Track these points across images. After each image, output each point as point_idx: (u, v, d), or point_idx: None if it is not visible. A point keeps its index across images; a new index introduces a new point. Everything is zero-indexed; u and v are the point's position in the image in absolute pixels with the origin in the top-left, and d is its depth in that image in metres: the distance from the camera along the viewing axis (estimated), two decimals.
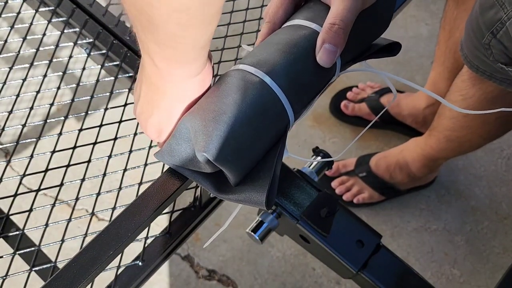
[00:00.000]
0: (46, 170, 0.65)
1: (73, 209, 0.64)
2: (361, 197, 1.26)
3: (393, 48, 0.55)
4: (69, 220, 0.63)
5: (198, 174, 0.49)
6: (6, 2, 0.78)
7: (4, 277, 0.59)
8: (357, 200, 1.27)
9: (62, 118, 0.70)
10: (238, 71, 0.49)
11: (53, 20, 0.78)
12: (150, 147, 0.68)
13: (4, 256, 0.62)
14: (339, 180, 1.28)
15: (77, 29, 0.76)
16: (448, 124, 1.04)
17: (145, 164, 0.67)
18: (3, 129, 0.68)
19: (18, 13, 0.78)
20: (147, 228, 0.63)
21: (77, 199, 0.65)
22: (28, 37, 0.76)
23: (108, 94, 0.72)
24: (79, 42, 0.76)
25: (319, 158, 0.75)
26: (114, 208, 0.64)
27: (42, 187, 0.64)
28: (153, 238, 0.65)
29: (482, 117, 0.96)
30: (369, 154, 1.29)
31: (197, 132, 0.46)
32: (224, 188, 0.49)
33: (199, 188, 0.67)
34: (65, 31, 0.76)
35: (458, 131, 1.03)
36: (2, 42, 0.75)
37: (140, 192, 0.52)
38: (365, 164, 1.27)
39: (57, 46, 0.75)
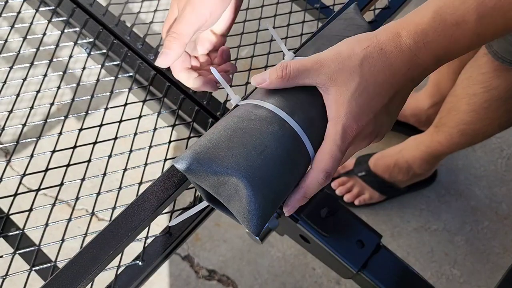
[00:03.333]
0: (46, 169, 0.65)
1: (73, 209, 0.64)
2: (362, 198, 1.26)
3: None
4: (69, 220, 0.63)
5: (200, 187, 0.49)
6: (6, 2, 0.78)
7: (4, 277, 0.59)
8: (359, 201, 1.27)
9: (62, 117, 0.70)
10: (285, 124, 0.48)
11: (53, 19, 0.78)
12: (150, 146, 0.68)
13: (4, 256, 0.62)
14: (339, 181, 1.28)
15: (77, 29, 0.76)
16: (464, 118, 1.04)
17: (145, 164, 0.67)
18: (3, 128, 0.68)
19: (19, 12, 0.78)
20: (147, 228, 0.63)
21: (77, 199, 0.65)
22: (28, 37, 0.76)
23: (108, 94, 0.72)
24: (79, 41, 0.76)
25: None
26: (114, 208, 0.64)
27: (42, 187, 0.64)
28: (153, 238, 0.65)
29: (504, 106, 0.97)
30: (368, 154, 1.29)
31: (256, 210, 0.45)
32: (219, 202, 0.49)
33: None
34: (65, 30, 0.76)
35: (476, 124, 1.03)
36: (2, 42, 0.75)
37: (140, 192, 0.52)
38: (364, 163, 1.27)
39: (57, 45, 0.75)
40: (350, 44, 0.49)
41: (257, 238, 0.67)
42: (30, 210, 0.63)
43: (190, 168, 0.45)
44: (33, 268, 0.61)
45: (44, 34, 0.77)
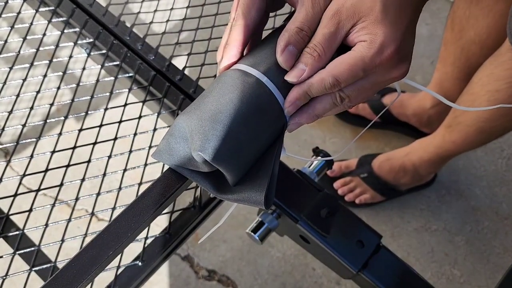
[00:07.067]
0: (46, 170, 0.65)
1: (73, 209, 0.64)
2: (363, 197, 1.26)
3: None
4: (69, 220, 0.63)
5: (197, 174, 0.49)
6: (6, 2, 0.78)
7: (4, 277, 0.59)
8: (359, 200, 1.27)
9: (62, 118, 0.70)
10: (235, 71, 0.49)
11: (53, 20, 0.78)
12: (150, 147, 0.68)
13: (4, 256, 0.62)
14: (342, 181, 1.28)
15: (77, 29, 0.76)
16: (483, 116, 1.03)
17: (145, 164, 0.67)
18: (3, 129, 0.68)
19: (18, 13, 0.78)
20: (147, 228, 0.63)
21: (77, 199, 0.65)
22: (28, 37, 0.76)
23: (108, 94, 0.72)
24: (79, 42, 0.76)
25: (318, 158, 0.75)
26: (114, 208, 0.64)
27: (42, 187, 0.64)
28: (153, 238, 0.65)
29: None
30: (371, 154, 1.29)
31: (193, 131, 0.46)
32: (223, 188, 0.49)
33: (199, 188, 0.67)
34: (65, 31, 0.76)
35: (496, 121, 1.03)
36: (2, 42, 0.75)
37: (140, 192, 0.52)
38: (367, 165, 1.27)
39: (57, 46, 0.75)
40: None
41: (256, 237, 0.67)
42: (30, 210, 0.63)
43: (161, 149, 0.48)
44: (33, 269, 0.61)
45: (44, 34, 0.77)
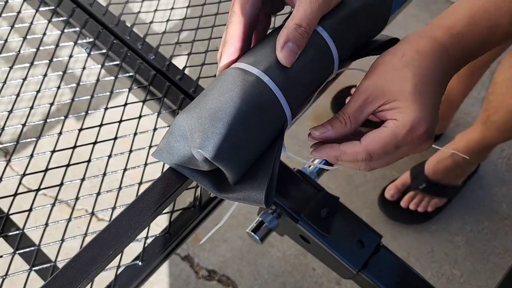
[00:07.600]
0: (46, 169, 0.65)
1: (73, 209, 0.64)
2: (433, 202, 1.27)
3: (392, 45, 0.55)
4: (69, 220, 0.63)
5: (197, 173, 0.49)
6: (6, 2, 0.78)
7: (4, 277, 0.59)
8: (431, 207, 1.27)
9: (62, 117, 0.70)
10: (235, 69, 0.49)
11: (53, 19, 0.77)
12: (150, 146, 0.68)
13: (4, 256, 0.62)
14: (408, 197, 1.28)
15: (77, 29, 0.76)
16: None
17: (145, 164, 0.67)
18: (3, 128, 0.68)
19: (18, 12, 0.78)
20: (147, 228, 0.63)
21: (76, 199, 0.65)
22: (28, 37, 0.76)
23: (108, 93, 0.72)
24: (79, 41, 0.76)
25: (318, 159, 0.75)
26: (114, 208, 0.64)
27: (41, 187, 0.64)
28: (153, 238, 0.65)
29: None
30: (419, 164, 1.29)
31: (193, 129, 0.46)
32: (223, 187, 0.49)
33: (199, 188, 0.67)
34: (65, 30, 0.76)
35: None
36: (2, 42, 0.74)
37: (140, 192, 0.52)
38: (421, 175, 1.27)
39: (57, 45, 0.75)
40: (385, 61, 0.50)
41: (257, 237, 0.67)
42: (30, 210, 0.63)
43: (161, 148, 0.49)
44: (33, 268, 0.61)
45: (44, 34, 0.76)
